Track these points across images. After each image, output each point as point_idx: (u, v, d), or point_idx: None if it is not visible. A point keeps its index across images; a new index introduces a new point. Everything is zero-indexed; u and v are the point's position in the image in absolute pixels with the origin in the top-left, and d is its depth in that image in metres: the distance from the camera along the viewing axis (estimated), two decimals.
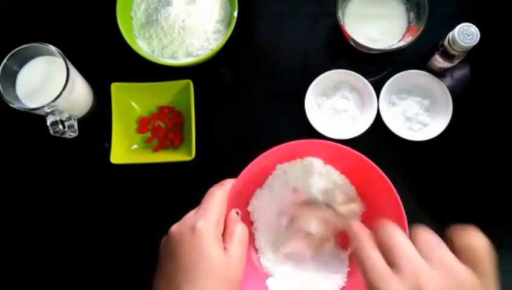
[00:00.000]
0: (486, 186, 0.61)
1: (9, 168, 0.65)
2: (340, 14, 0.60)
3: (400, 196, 0.47)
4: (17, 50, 0.56)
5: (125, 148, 0.62)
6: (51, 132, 0.56)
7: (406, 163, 0.62)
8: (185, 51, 0.63)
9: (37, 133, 0.62)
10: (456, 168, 0.62)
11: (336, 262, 0.52)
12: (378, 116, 0.61)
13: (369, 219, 0.53)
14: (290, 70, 0.66)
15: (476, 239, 0.34)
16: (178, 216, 0.43)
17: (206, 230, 0.40)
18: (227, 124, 0.65)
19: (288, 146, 0.49)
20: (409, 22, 0.63)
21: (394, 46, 0.61)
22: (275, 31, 0.68)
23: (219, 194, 0.43)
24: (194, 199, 0.44)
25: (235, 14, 0.61)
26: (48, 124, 0.56)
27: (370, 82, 0.62)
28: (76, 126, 0.59)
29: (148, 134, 0.64)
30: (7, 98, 0.55)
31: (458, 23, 0.55)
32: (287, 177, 0.52)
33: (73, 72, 0.58)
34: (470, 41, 0.54)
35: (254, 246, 0.53)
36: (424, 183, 0.62)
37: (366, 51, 0.61)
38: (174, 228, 0.41)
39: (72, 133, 0.59)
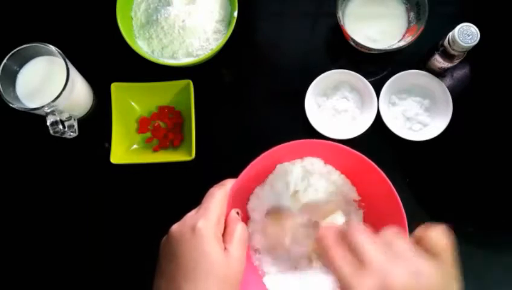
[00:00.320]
0: (486, 186, 0.61)
1: (9, 168, 0.65)
2: (340, 14, 0.60)
3: (400, 196, 0.47)
4: (17, 50, 0.56)
5: (125, 148, 0.62)
6: (51, 132, 0.56)
7: (406, 163, 0.62)
8: (185, 51, 0.63)
9: (37, 133, 0.62)
10: (456, 168, 0.62)
11: None
12: (378, 116, 0.61)
13: (369, 219, 0.54)
14: (290, 70, 0.66)
15: (434, 229, 0.36)
16: (178, 216, 0.43)
17: (207, 230, 0.40)
18: (227, 124, 0.65)
19: (289, 146, 0.49)
20: (409, 22, 0.63)
21: (394, 46, 0.61)
22: (275, 31, 0.68)
23: (219, 194, 0.43)
24: (194, 199, 0.44)
25: (235, 14, 0.61)
26: (48, 124, 0.56)
27: (370, 82, 0.62)
28: (76, 126, 0.59)
29: (148, 134, 0.64)
30: (7, 98, 0.55)
31: (458, 23, 0.55)
32: (287, 176, 0.52)
33: (73, 72, 0.58)
34: (470, 41, 0.54)
35: (253, 245, 0.53)
36: (424, 183, 0.62)
37: (366, 51, 0.61)
38: (175, 227, 0.41)
39: (72, 133, 0.59)
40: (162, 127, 0.64)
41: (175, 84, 0.63)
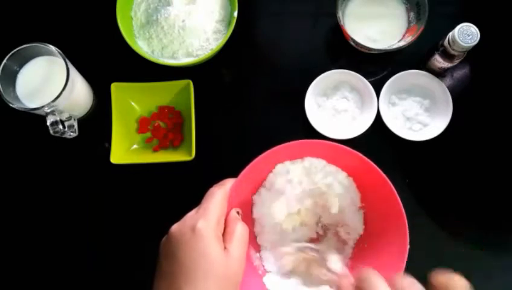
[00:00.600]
0: (487, 186, 0.61)
1: (10, 168, 0.65)
2: (340, 14, 0.60)
3: (400, 196, 0.47)
4: (17, 50, 0.56)
5: (125, 148, 0.62)
6: (51, 132, 0.56)
7: (406, 163, 0.62)
8: (185, 51, 0.63)
9: (37, 133, 0.62)
10: (456, 168, 0.62)
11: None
12: (378, 116, 0.61)
13: (369, 219, 0.54)
14: (290, 70, 0.66)
15: (452, 277, 0.34)
16: (178, 216, 0.43)
17: (207, 230, 0.40)
18: (227, 124, 0.65)
19: (289, 146, 0.49)
20: (409, 22, 0.63)
21: (394, 46, 0.61)
22: (275, 31, 0.68)
23: (219, 194, 0.43)
24: (194, 199, 0.44)
25: (235, 14, 0.61)
26: (48, 124, 0.56)
27: (370, 82, 0.62)
28: (76, 126, 0.59)
29: (148, 134, 0.64)
30: (7, 98, 0.55)
31: (458, 23, 0.55)
32: (289, 175, 0.52)
33: (73, 72, 0.58)
34: (470, 41, 0.54)
35: (253, 245, 0.53)
36: (424, 183, 0.62)
37: (366, 51, 0.61)
38: (175, 227, 0.41)
39: (72, 133, 0.59)
40: (162, 127, 0.64)
41: (175, 84, 0.63)
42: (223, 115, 0.65)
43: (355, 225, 0.54)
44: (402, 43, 0.60)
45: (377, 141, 0.62)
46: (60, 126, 0.56)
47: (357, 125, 0.62)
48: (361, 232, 0.54)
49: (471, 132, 0.63)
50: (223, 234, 0.43)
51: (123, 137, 0.62)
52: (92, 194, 0.63)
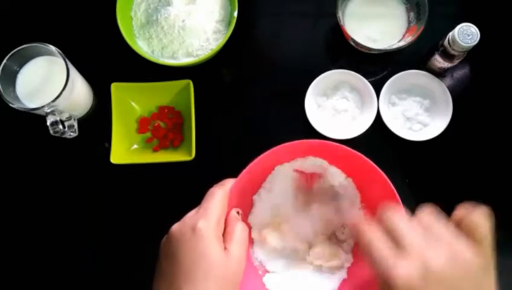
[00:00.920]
0: (487, 186, 0.61)
1: (10, 168, 0.65)
2: (340, 14, 0.60)
3: (400, 196, 0.47)
4: (17, 50, 0.56)
5: (125, 148, 0.62)
6: (51, 132, 0.56)
7: (406, 163, 0.62)
8: (185, 51, 0.63)
9: (37, 133, 0.62)
10: (456, 168, 0.62)
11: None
12: (378, 116, 0.61)
13: (369, 219, 0.53)
14: (290, 70, 0.66)
15: (475, 212, 0.36)
16: (178, 216, 0.43)
17: (207, 230, 0.40)
18: (227, 124, 0.65)
19: (289, 146, 0.49)
20: (409, 22, 0.63)
21: (394, 46, 0.61)
22: (275, 31, 0.68)
23: (219, 194, 0.43)
24: (194, 199, 0.44)
25: (235, 14, 0.61)
26: (48, 124, 0.56)
27: (370, 82, 0.62)
28: (76, 126, 0.59)
29: (148, 134, 0.64)
30: (7, 98, 0.55)
31: (458, 23, 0.55)
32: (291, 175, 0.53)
33: (73, 72, 0.58)
34: (470, 41, 0.54)
35: (252, 243, 0.53)
36: (424, 183, 0.62)
37: (366, 51, 0.61)
38: (175, 227, 0.41)
39: (72, 133, 0.59)
40: (162, 127, 0.64)
41: (175, 84, 0.63)
42: (223, 115, 0.65)
43: None
44: (402, 43, 0.60)
45: (377, 141, 0.62)
46: (60, 126, 0.56)
47: (357, 125, 0.62)
48: None
49: (471, 132, 0.63)
50: (223, 234, 0.43)
51: (123, 137, 0.62)
52: (92, 194, 0.63)
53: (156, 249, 0.43)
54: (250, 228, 0.53)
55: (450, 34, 0.56)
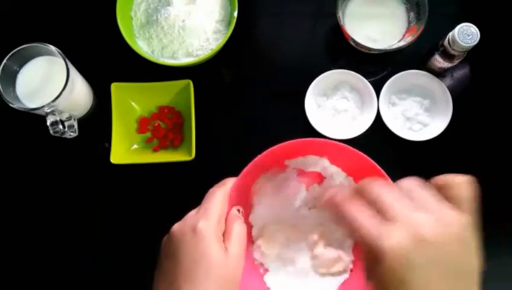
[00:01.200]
0: (487, 186, 0.61)
1: (10, 168, 0.65)
2: (340, 14, 0.60)
3: None
4: (17, 50, 0.56)
5: (125, 148, 0.62)
6: (51, 132, 0.56)
7: (406, 163, 0.62)
8: (185, 51, 0.63)
9: (37, 133, 0.62)
10: (456, 168, 0.62)
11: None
12: (378, 116, 0.61)
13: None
14: (290, 70, 0.66)
15: (457, 177, 0.35)
16: (178, 216, 0.43)
17: (207, 230, 0.40)
18: (227, 124, 0.65)
19: (291, 145, 0.49)
20: (409, 22, 0.63)
21: (394, 46, 0.61)
22: (275, 31, 0.68)
23: (219, 194, 0.43)
24: (194, 199, 0.44)
25: (235, 14, 0.61)
26: (48, 124, 0.56)
27: (370, 82, 0.62)
28: (76, 126, 0.59)
29: (148, 134, 0.64)
30: (7, 98, 0.55)
31: (458, 23, 0.55)
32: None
33: (73, 72, 0.58)
34: (470, 41, 0.54)
35: (252, 242, 0.53)
36: None
37: (366, 51, 0.61)
38: (176, 227, 0.41)
39: (72, 133, 0.59)
40: (162, 127, 0.64)
41: (175, 84, 0.63)
42: (223, 115, 0.65)
43: None
44: (402, 43, 0.60)
45: (377, 141, 0.62)
46: (60, 126, 0.56)
47: (357, 125, 0.62)
48: None
49: (471, 132, 0.63)
50: (223, 234, 0.43)
51: (123, 137, 0.62)
52: (92, 194, 0.63)
53: (156, 249, 0.43)
54: (251, 226, 0.53)
55: (450, 34, 0.56)
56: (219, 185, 0.45)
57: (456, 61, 0.59)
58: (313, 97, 0.63)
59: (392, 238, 0.31)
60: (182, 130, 0.64)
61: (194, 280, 0.38)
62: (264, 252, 0.53)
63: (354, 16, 0.63)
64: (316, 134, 0.61)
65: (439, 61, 0.60)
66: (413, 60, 0.64)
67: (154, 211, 0.62)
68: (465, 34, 0.54)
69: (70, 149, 0.64)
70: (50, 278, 0.61)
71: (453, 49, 0.56)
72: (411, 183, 0.35)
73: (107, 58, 0.66)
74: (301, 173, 0.55)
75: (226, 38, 0.61)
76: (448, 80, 0.64)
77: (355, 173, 0.53)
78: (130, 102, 0.64)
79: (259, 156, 0.48)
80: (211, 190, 0.44)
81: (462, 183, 0.34)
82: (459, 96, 0.62)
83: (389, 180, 0.48)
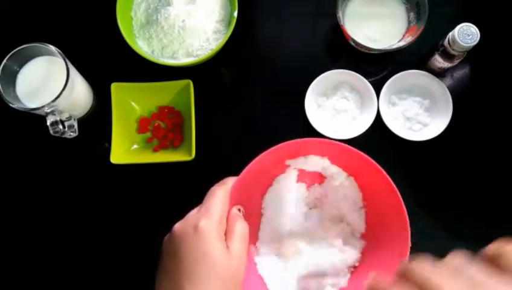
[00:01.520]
0: (487, 186, 0.61)
1: (10, 168, 0.65)
2: (340, 14, 0.60)
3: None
4: (17, 50, 0.56)
5: (125, 148, 0.62)
6: (51, 132, 0.56)
7: (406, 163, 0.62)
8: (185, 51, 0.63)
9: (37, 133, 0.62)
10: (456, 168, 0.62)
11: (338, 260, 0.52)
12: (378, 116, 0.61)
13: (370, 218, 0.54)
14: (290, 70, 0.66)
15: (506, 244, 0.31)
16: (178, 216, 0.43)
17: (209, 229, 0.40)
18: (227, 124, 0.65)
19: (292, 144, 0.49)
20: (409, 22, 0.63)
21: (394, 46, 0.61)
22: (275, 31, 0.68)
23: (220, 193, 0.43)
24: (194, 199, 0.44)
25: (235, 14, 0.61)
26: (48, 124, 0.56)
27: (370, 82, 0.62)
28: (76, 126, 0.59)
29: (148, 134, 0.64)
30: (7, 98, 0.55)
31: (458, 23, 0.55)
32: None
33: (73, 72, 0.58)
34: (470, 41, 0.54)
35: (255, 243, 0.54)
36: (424, 183, 0.62)
37: (366, 51, 0.61)
38: (177, 226, 0.41)
39: (72, 133, 0.59)
40: (162, 127, 0.64)
41: (175, 84, 0.63)
42: (223, 115, 0.65)
43: (356, 224, 0.54)
44: (402, 43, 0.60)
45: (377, 141, 0.62)
46: (60, 126, 0.56)
47: (357, 125, 0.62)
48: (362, 231, 0.54)
49: (471, 132, 0.63)
50: (224, 233, 0.43)
51: (123, 137, 0.62)
52: (92, 194, 0.63)
53: (156, 249, 0.43)
54: (257, 239, 0.54)
55: (450, 34, 0.56)
56: (220, 184, 0.45)
57: (456, 61, 0.59)
58: (313, 97, 0.63)
59: None
60: (182, 130, 0.64)
61: (196, 278, 0.38)
62: (265, 253, 0.53)
63: (354, 16, 0.63)
64: (316, 134, 0.61)
65: (439, 61, 0.60)
66: (413, 60, 0.64)
67: (154, 211, 0.62)
68: (465, 34, 0.54)
69: (70, 149, 0.64)
70: (50, 278, 0.61)
71: (453, 49, 0.56)
72: (460, 260, 0.31)
73: (107, 58, 0.66)
74: (302, 172, 0.55)
75: (226, 38, 0.61)
76: (448, 80, 0.64)
77: (356, 173, 0.53)
78: (130, 102, 0.64)
79: (260, 156, 0.48)
80: (212, 189, 0.44)
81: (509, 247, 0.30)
82: (459, 96, 0.62)
83: (389, 179, 0.48)
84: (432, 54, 0.60)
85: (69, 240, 0.62)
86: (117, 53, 0.63)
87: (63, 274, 0.61)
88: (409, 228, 0.47)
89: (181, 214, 0.43)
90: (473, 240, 0.59)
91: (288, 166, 0.54)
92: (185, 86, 0.62)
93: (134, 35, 0.65)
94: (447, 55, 0.58)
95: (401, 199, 0.47)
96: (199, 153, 0.59)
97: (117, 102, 0.62)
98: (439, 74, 0.62)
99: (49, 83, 0.58)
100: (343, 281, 0.52)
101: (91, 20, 0.68)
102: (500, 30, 0.65)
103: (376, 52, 0.61)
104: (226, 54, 0.64)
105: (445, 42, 0.57)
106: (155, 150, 0.63)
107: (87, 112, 0.64)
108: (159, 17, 0.62)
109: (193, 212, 0.42)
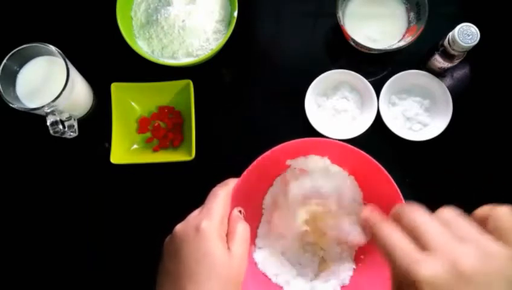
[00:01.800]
0: (487, 186, 0.61)
1: (10, 168, 0.65)
2: (340, 14, 0.60)
3: None
4: (17, 50, 0.56)
5: (125, 148, 0.62)
6: (51, 132, 0.56)
7: (406, 163, 0.62)
8: (185, 51, 0.63)
9: (37, 133, 0.62)
10: (456, 168, 0.62)
11: (339, 260, 0.53)
12: (378, 116, 0.62)
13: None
14: (290, 70, 0.66)
15: (501, 208, 0.33)
16: (178, 216, 0.43)
17: (210, 230, 0.40)
18: (227, 124, 0.65)
19: (293, 144, 0.49)
20: (409, 22, 0.63)
21: (394, 46, 0.61)
22: (275, 31, 0.68)
23: (222, 194, 0.43)
24: (194, 199, 0.44)
25: (235, 14, 0.61)
26: (48, 124, 0.56)
27: (370, 82, 0.62)
28: (76, 126, 0.59)
29: (148, 134, 0.64)
30: (7, 98, 0.55)
31: (458, 23, 0.55)
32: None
33: (73, 72, 0.58)
34: (470, 41, 0.54)
35: (255, 244, 0.54)
36: (424, 183, 0.62)
37: (366, 51, 0.61)
38: (179, 227, 0.41)
39: (72, 133, 0.59)
40: (162, 127, 0.64)
41: (175, 84, 0.63)
42: (223, 115, 0.65)
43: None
44: (402, 43, 0.60)
45: (377, 141, 0.62)
46: (60, 126, 0.56)
47: (357, 125, 0.62)
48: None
49: (471, 132, 0.63)
50: (226, 234, 0.43)
51: (123, 137, 0.62)
52: (92, 194, 0.63)
53: (156, 249, 0.43)
54: (255, 236, 0.53)
55: (450, 34, 0.56)
56: (221, 185, 0.45)
57: (456, 61, 0.59)
58: (313, 97, 0.63)
59: (429, 267, 0.29)
60: (182, 130, 0.64)
61: (198, 279, 0.38)
62: (265, 253, 0.53)
63: (354, 16, 0.63)
64: (316, 134, 0.61)
65: (439, 61, 0.60)
66: (413, 60, 0.64)
67: (153, 211, 0.62)
68: (465, 34, 0.54)
69: (70, 149, 0.64)
70: (50, 278, 0.61)
71: (453, 49, 0.56)
72: (451, 214, 0.33)
73: (107, 58, 0.66)
74: (302, 172, 0.55)
75: (226, 38, 0.61)
76: (448, 80, 0.64)
77: (357, 172, 0.53)
78: (130, 102, 0.64)
79: (261, 156, 0.48)
80: (214, 190, 0.44)
81: (505, 215, 0.32)
82: (459, 96, 0.62)
83: (390, 178, 0.48)
84: (431, 54, 0.60)
85: (69, 240, 0.62)
86: (117, 53, 0.63)
87: (63, 274, 0.61)
88: None
89: (181, 214, 0.43)
90: None
91: (289, 166, 0.54)
92: (185, 86, 0.62)
93: (134, 35, 0.65)
94: (447, 55, 0.58)
95: (401, 197, 0.47)
96: (199, 153, 0.60)
97: (117, 102, 0.62)
98: (439, 74, 0.62)
99: (49, 83, 0.58)
100: (346, 277, 0.52)
101: (91, 20, 0.68)
102: (500, 30, 0.65)
103: (376, 52, 0.61)
104: (226, 54, 0.64)
105: (445, 42, 0.57)
106: (155, 150, 0.63)
107: (87, 112, 0.64)
108: (159, 17, 0.62)
109: (194, 214, 0.42)
